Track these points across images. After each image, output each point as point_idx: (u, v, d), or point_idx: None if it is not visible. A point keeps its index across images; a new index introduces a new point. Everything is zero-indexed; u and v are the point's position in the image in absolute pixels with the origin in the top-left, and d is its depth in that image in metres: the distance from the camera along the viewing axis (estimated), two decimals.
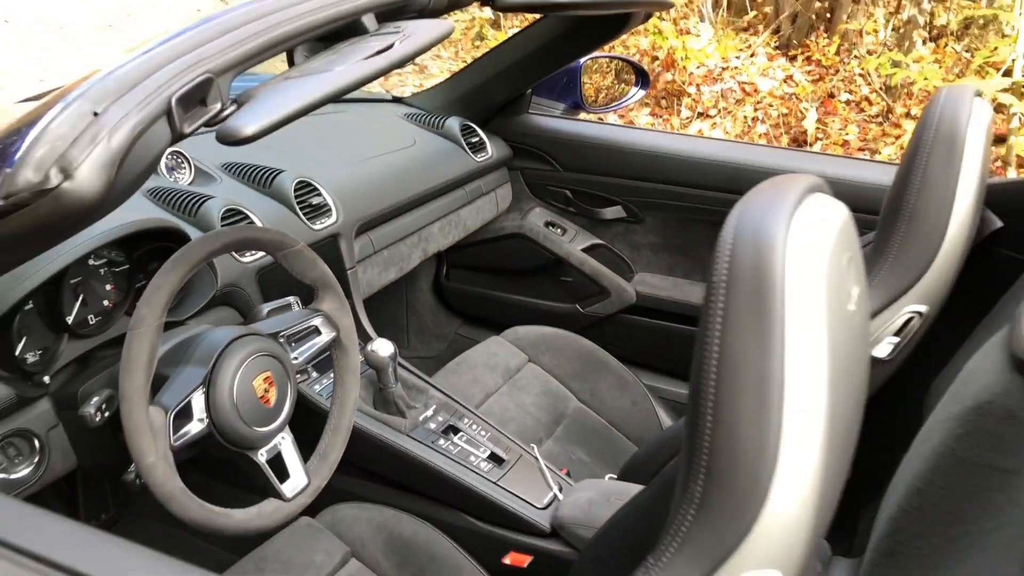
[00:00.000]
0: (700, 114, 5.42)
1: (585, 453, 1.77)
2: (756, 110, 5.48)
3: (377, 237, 1.71)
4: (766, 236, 0.71)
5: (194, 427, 1.05)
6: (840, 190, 1.68)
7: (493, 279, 2.23)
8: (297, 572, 1.28)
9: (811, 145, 4.92)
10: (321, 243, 1.55)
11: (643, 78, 2.18)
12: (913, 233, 1.27)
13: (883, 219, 1.33)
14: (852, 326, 0.78)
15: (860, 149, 4.86)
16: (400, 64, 0.94)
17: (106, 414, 1.07)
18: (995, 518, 0.98)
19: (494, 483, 1.43)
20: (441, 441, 1.47)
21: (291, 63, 1.05)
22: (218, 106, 0.82)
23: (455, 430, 1.51)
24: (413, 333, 2.32)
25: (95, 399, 1.07)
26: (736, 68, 5.69)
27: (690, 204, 1.93)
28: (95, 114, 0.73)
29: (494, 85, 2.01)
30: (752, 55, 5.77)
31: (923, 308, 1.29)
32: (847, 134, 4.96)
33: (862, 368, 0.83)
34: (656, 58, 5.56)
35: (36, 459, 1.11)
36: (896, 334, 1.30)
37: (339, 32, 1.02)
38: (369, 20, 1.05)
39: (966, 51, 5.14)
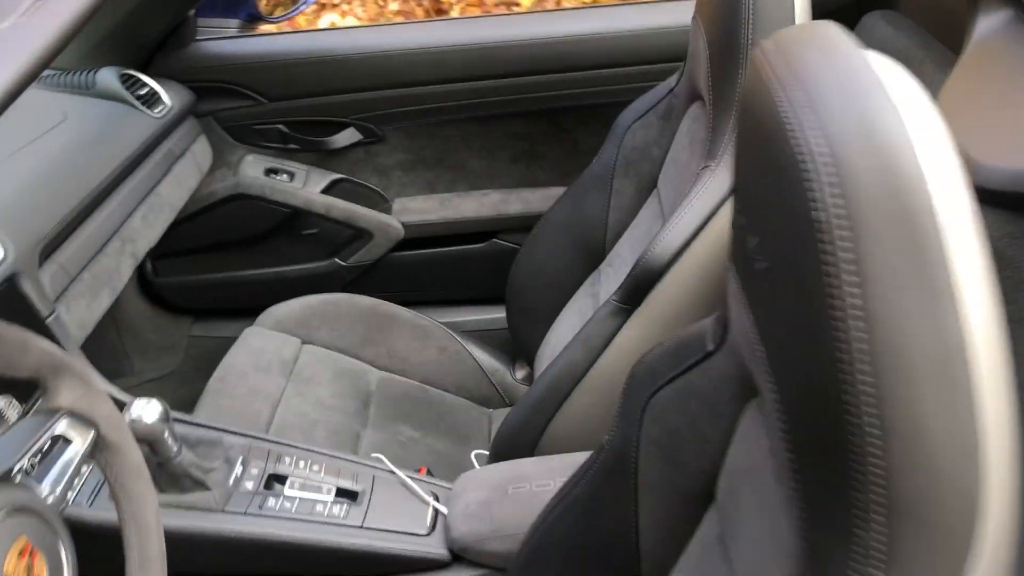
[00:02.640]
0: (324, 5, 4.95)
1: (414, 428, 1.46)
2: None
3: (68, 258, 1.22)
4: (886, 136, 0.42)
5: None
6: (624, 45, 1.42)
7: (218, 258, 1.78)
8: None
9: (449, 11, 4.66)
10: None
11: None
12: None
13: (714, 65, 1.10)
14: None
15: (502, 2, 4.70)
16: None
17: None
18: None
19: (360, 528, 1.08)
20: (270, 501, 1.08)
21: None
22: None
23: (279, 479, 1.12)
24: (134, 354, 1.82)
25: None
26: None
27: (432, 104, 1.61)
28: None
29: (144, 14, 1.51)
30: None
31: None
32: None
33: None
34: None
35: None
36: None
37: None
38: None
39: None
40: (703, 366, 0.74)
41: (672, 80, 1.33)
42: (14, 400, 0.85)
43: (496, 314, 1.78)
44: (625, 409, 0.81)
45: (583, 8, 1.74)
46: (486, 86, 1.59)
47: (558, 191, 1.71)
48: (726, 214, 1.05)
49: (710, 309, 1.04)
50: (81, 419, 0.80)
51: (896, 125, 0.41)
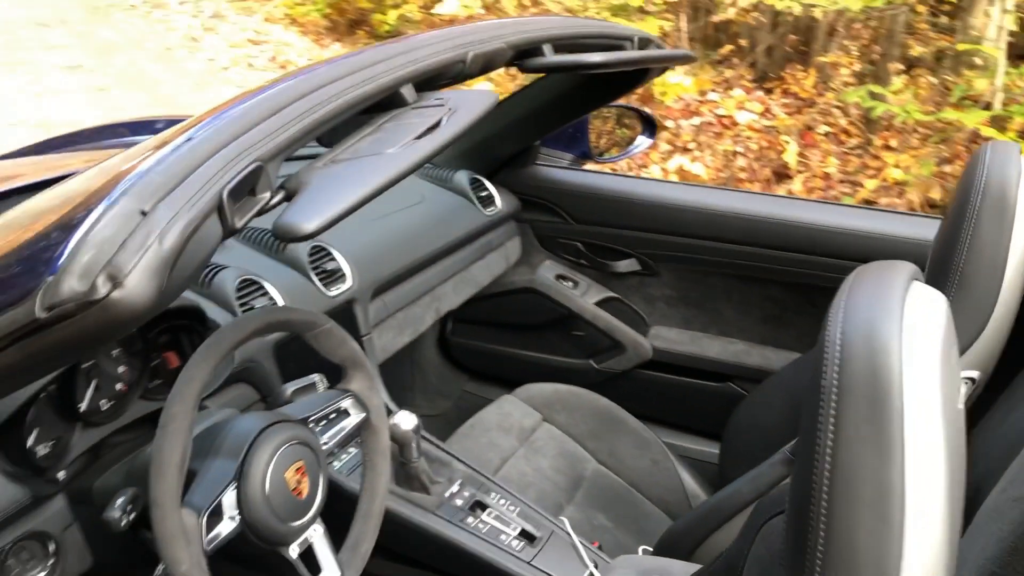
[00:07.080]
0: (680, 148, 5.41)
1: (608, 519, 1.70)
2: (735, 143, 5.47)
3: (391, 300, 1.65)
4: (880, 339, 0.65)
5: (225, 527, 0.97)
6: (874, 245, 1.60)
7: (501, 334, 2.17)
8: None
9: (792, 178, 4.90)
10: (337, 309, 1.48)
11: (650, 126, 2.13)
12: (963, 299, 1.22)
13: (929, 282, 1.28)
14: (959, 421, 0.73)
15: (841, 181, 4.86)
16: (451, 142, 0.88)
17: (131, 516, 0.99)
18: None
19: (528, 563, 1.35)
20: (469, 519, 1.40)
21: (321, 140, 0.99)
22: (267, 195, 0.76)
23: (483, 506, 1.43)
24: (418, 392, 2.24)
25: (120, 500, 0.99)
26: (714, 102, 5.68)
27: (706, 257, 1.89)
28: (143, 213, 0.66)
29: (503, 137, 1.96)
30: (728, 88, 5.77)
31: (975, 374, 1.25)
32: (828, 166, 4.96)
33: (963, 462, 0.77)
34: (635, 93, 5.51)
35: (51, 562, 1.03)
36: None
37: (378, 104, 0.96)
38: (408, 91, 0.99)
39: (941, 84, 5.18)
40: None
41: None
42: (324, 378, 1.25)
43: (712, 448, 1.97)
44: (747, 525, 0.94)
45: (848, 206, 1.92)
46: (755, 252, 1.83)
47: (797, 356, 1.90)
48: None
49: None
50: (360, 403, 1.17)
51: (888, 342, 0.64)
